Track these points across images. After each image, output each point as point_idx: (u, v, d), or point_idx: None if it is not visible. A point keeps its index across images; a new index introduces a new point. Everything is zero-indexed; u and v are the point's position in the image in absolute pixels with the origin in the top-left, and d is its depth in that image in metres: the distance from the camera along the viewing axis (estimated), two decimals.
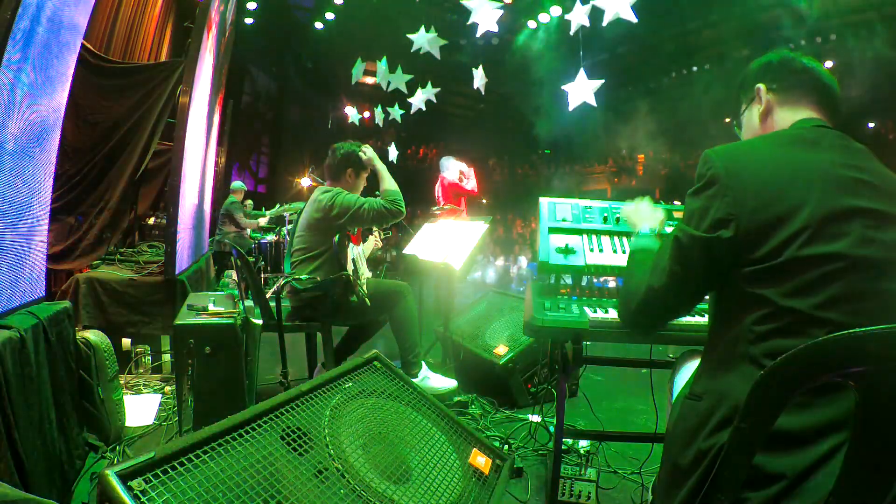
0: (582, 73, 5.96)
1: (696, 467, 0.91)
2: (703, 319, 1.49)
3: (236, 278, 4.09)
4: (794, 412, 0.86)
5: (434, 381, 2.86)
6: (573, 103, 6.04)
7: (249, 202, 7.73)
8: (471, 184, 5.77)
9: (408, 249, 3.44)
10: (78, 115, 3.59)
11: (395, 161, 10.40)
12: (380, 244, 3.07)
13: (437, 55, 6.88)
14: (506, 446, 2.31)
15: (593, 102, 6.02)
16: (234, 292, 2.69)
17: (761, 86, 1.16)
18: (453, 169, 5.79)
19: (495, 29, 5.90)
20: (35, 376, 1.58)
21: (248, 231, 6.79)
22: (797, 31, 11.32)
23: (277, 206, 7.07)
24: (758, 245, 0.93)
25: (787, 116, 1.11)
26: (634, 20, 4.82)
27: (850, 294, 0.89)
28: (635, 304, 1.09)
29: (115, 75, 3.79)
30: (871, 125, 11.37)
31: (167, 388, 2.82)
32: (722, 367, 0.98)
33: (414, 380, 2.74)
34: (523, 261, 10.20)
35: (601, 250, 1.78)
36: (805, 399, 0.86)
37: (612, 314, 1.51)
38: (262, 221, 6.83)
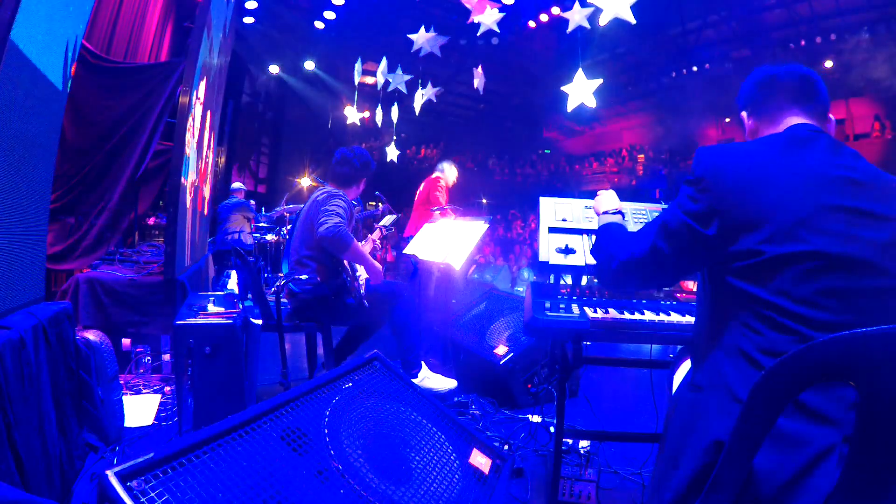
0: (580, 73, 5.96)
1: (693, 460, 0.92)
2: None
3: (236, 278, 4.10)
4: (793, 411, 0.86)
5: (434, 381, 2.86)
6: (572, 104, 6.03)
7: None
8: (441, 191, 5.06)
9: (408, 249, 3.44)
10: (78, 115, 3.59)
11: (395, 161, 10.40)
12: (379, 246, 3.07)
13: (438, 53, 6.89)
14: (506, 446, 2.31)
15: (592, 103, 6.01)
16: (234, 292, 2.69)
17: (744, 113, 1.21)
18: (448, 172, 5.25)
19: (496, 29, 5.89)
20: (35, 376, 1.58)
21: (248, 231, 6.80)
22: (796, 31, 11.31)
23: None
24: (740, 240, 0.96)
25: (776, 128, 1.13)
26: (633, 21, 4.82)
27: (835, 290, 0.91)
28: (616, 264, 1.19)
29: (116, 75, 3.79)
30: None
31: (167, 388, 2.82)
32: (716, 359, 1.00)
33: (414, 380, 2.75)
34: (523, 261, 10.20)
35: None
36: (804, 398, 0.87)
37: (613, 314, 1.51)
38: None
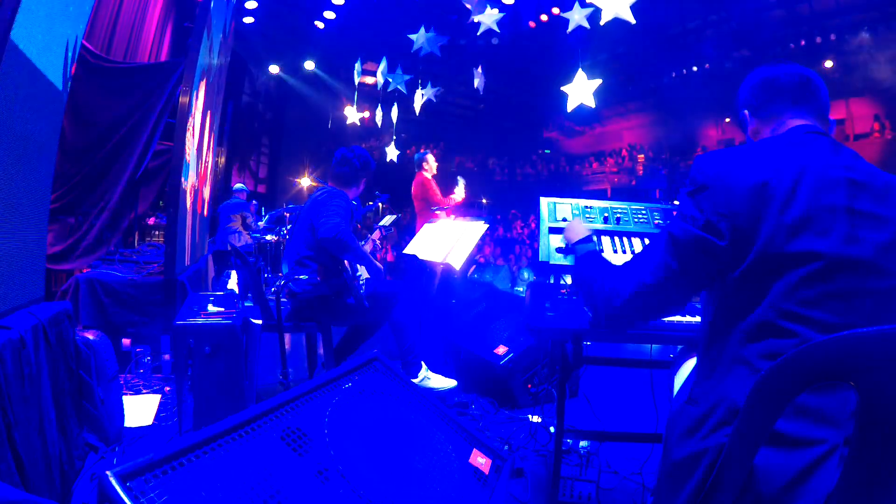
0: (581, 73, 5.96)
1: (695, 470, 0.91)
2: (697, 319, 1.49)
3: (236, 278, 4.10)
4: (792, 413, 0.86)
5: (434, 381, 2.86)
6: (572, 104, 6.04)
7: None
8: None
9: (408, 249, 3.44)
10: (78, 115, 3.59)
11: (395, 161, 10.41)
12: (379, 246, 3.08)
13: (438, 53, 6.90)
14: (506, 446, 2.31)
15: (592, 103, 6.01)
16: (234, 292, 2.69)
17: (746, 112, 1.19)
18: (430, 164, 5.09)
19: (496, 29, 5.89)
20: (35, 376, 1.58)
21: (244, 232, 6.80)
22: (796, 31, 11.30)
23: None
24: (746, 245, 0.94)
25: (781, 126, 1.12)
26: (633, 21, 4.82)
27: (839, 292, 0.90)
28: (622, 301, 1.09)
29: (115, 75, 3.79)
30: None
31: (167, 388, 2.82)
32: (716, 371, 0.98)
33: (414, 380, 2.75)
34: (523, 261, 10.20)
35: (601, 250, 1.78)
36: (805, 400, 0.86)
37: None
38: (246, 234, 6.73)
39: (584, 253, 1.34)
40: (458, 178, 5.15)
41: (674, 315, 1.53)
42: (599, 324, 1.15)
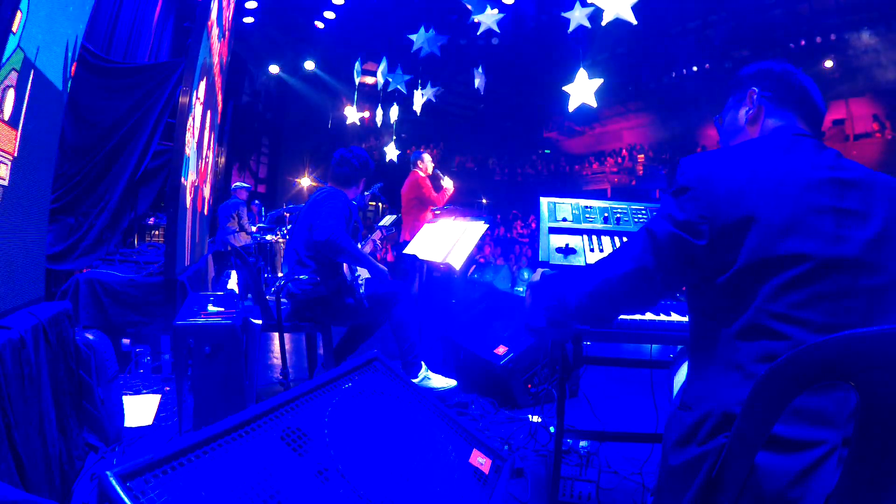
0: (582, 72, 5.96)
1: (695, 476, 0.90)
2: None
3: (236, 279, 4.10)
4: (790, 415, 0.86)
5: (434, 381, 2.86)
6: (573, 104, 6.04)
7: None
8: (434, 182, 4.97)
9: (408, 249, 3.44)
10: (78, 115, 3.59)
11: (395, 161, 10.41)
12: (379, 246, 3.07)
13: (438, 53, 6.90)
14: (506, 446, 2.31)
15: (594, 103, 6.01)
16: (234, 292, 2.69)
17: (756, 90, 1.16)
18: (426, 164, 5.03)
19: (496, 29, 5.89)
20: (35, 376, 1.58)
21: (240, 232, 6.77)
22: (796, 31, 11.30)
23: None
24: (730, 248, 0.93)
25: (773, 123, 1.13)
26: (634, 22, 4.82)
27: (829, 292, 0.89)
28: (591, 288, 1.08)
29: (115, 75, 3.80)
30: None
31: (167, 388, 2.82)
32: (707, 375, 0.98)
33: (414, 380, 2.75)
34: (523, 261, 10.21)
35: (601, 250, 1.78)
36: (801, 401, 0.86)
37: None
38: (244, 234, 6.68)
39: (540, 276, 1.30)
40: (437, 171, 5.08)
41: (645, 312, 1.56)
42: (567, 319, 1.14)
